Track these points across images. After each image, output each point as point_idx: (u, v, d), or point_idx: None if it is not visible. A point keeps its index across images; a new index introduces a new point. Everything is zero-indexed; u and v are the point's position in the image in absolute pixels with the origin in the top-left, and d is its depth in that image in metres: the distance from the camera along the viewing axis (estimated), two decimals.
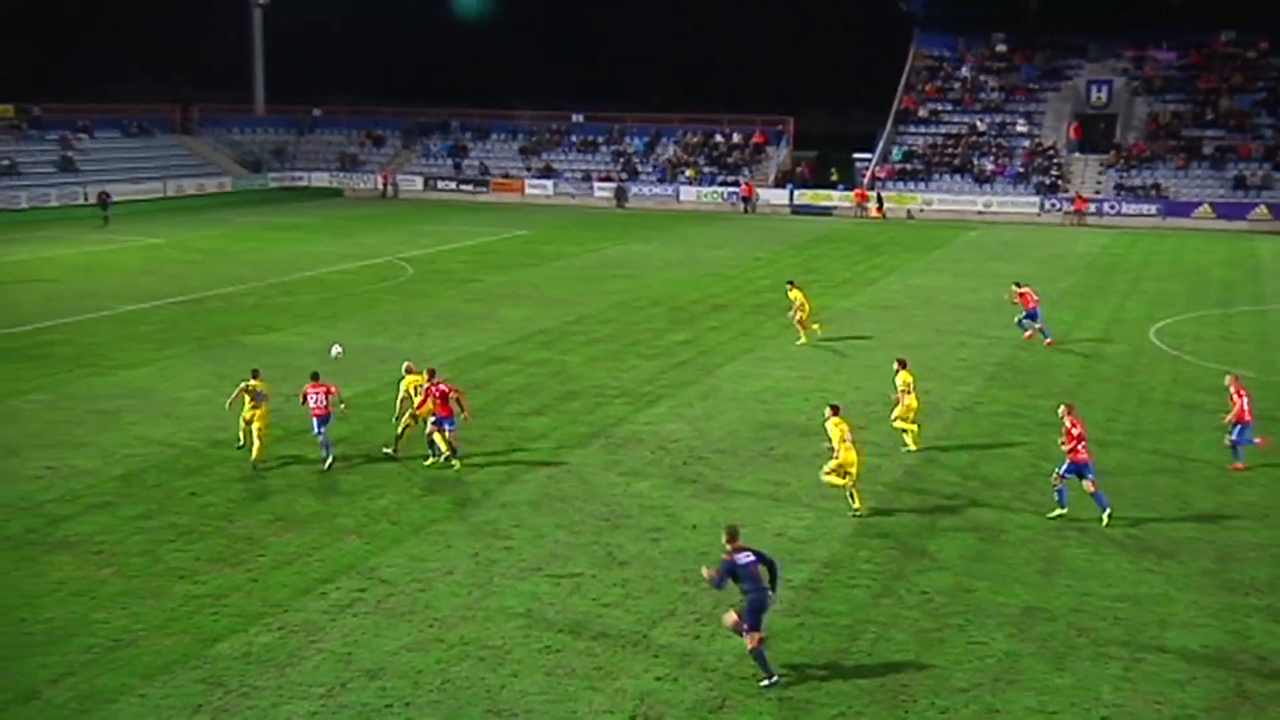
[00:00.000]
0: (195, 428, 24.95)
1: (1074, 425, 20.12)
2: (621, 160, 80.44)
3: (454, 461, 22.56)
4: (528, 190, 78.83)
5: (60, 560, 18.12)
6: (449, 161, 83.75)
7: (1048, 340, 33.57)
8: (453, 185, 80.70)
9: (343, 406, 23.16)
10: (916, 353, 32.84)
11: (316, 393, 22.47)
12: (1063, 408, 20.64)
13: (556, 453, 23.75)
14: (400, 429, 23.14)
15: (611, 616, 16.47)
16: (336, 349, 26.67)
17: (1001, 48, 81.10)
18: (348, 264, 48.66)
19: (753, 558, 14.85)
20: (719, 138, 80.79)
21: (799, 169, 76.65)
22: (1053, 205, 68.57)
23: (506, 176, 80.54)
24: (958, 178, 72.29)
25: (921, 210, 69.97)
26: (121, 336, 33.70)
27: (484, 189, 79.75)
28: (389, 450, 23.27)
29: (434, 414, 22.50)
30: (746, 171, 76.96)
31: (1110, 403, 27.45)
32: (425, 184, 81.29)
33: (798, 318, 33.90)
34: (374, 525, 19.79)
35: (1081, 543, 19.38)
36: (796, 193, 72.78)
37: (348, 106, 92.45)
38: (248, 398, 22.77)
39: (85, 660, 15.16)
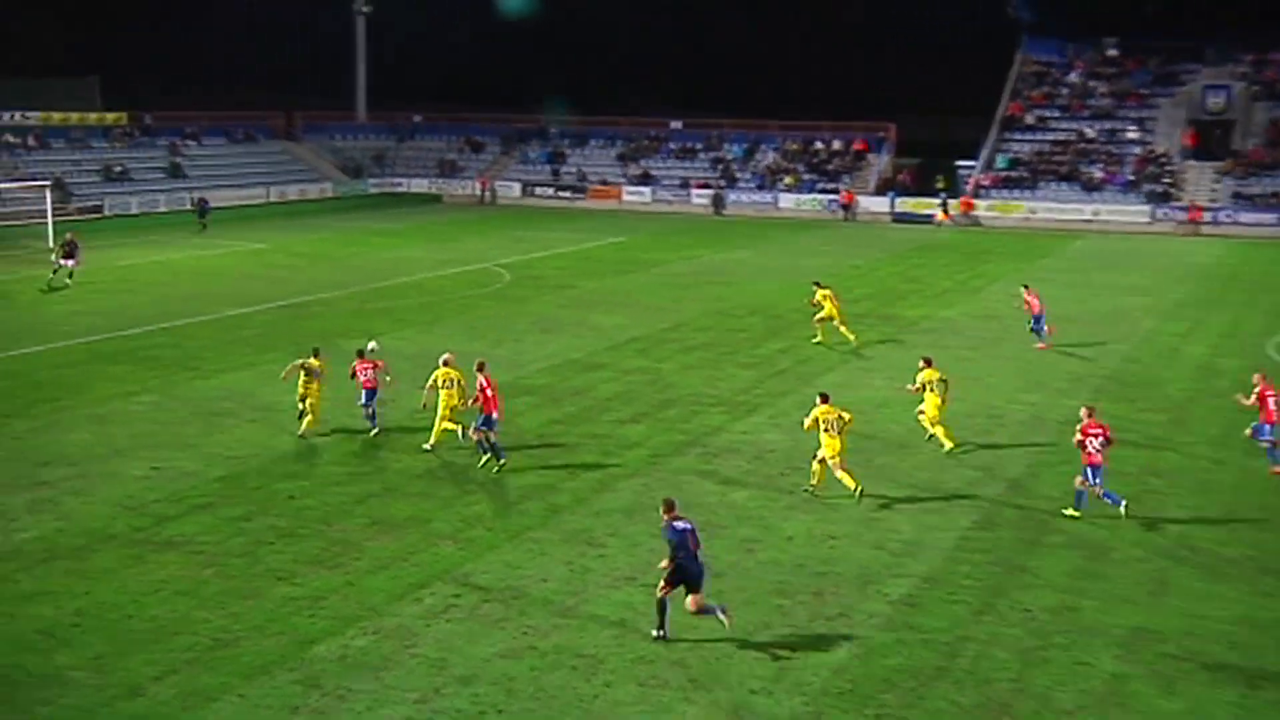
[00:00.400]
0: (294, 431, 25.40)
1: (1090, 428, 20.40)
2: (720, 167, 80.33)
3: (499, 462, 22.79)
4: (625, 197, 79.09)
5: (165, 559, 18.56)
6: (547, 168, 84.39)
7: (1040, 344, 33.84)
8: (550, 191, 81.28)
9: (388, 379, 25.16)
10: (1020, 365, 32.26)
11: (365, 368, 24.80)
12: (1084, 410, 20.96)
13: (652, 461, 23.75)
14: (440, 426, 23.68)
15: (706, 628, 16.40)
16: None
17: (1113, 52, 79.43)
18: (446, 269, 49.25)
19: (688, 526, 16.05)
20: (819, 144, 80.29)
21: (900, 176, 75.85)
22: (1165, 214, 66.90)
23: (604, 183, 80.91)
24: (1064, 185, 70.92)
25: (1027, 219, 68.79)
26: (225, 340, 34.48)
27: (581, 195, 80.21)
28: (427, 448, 23.85)
29: (480, 413, 22.84)
30: (846, 178, 76.35)
31: (1224, 418, 26.67)
32: (523, 190, 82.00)
33: (820, 316, 34.26)
34: (469, 531, 19.96)
35: (1195, 563, 18.85)
36: (897, 200, 72.03)
37: (447, 113, 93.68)
38: (303, 374, 24.68)
39: (188, 659, 15.50)
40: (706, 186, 77.86)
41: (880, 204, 72.58)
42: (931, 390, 24.19)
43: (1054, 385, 29.97)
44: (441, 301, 41.80)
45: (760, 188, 77.08)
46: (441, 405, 23.77)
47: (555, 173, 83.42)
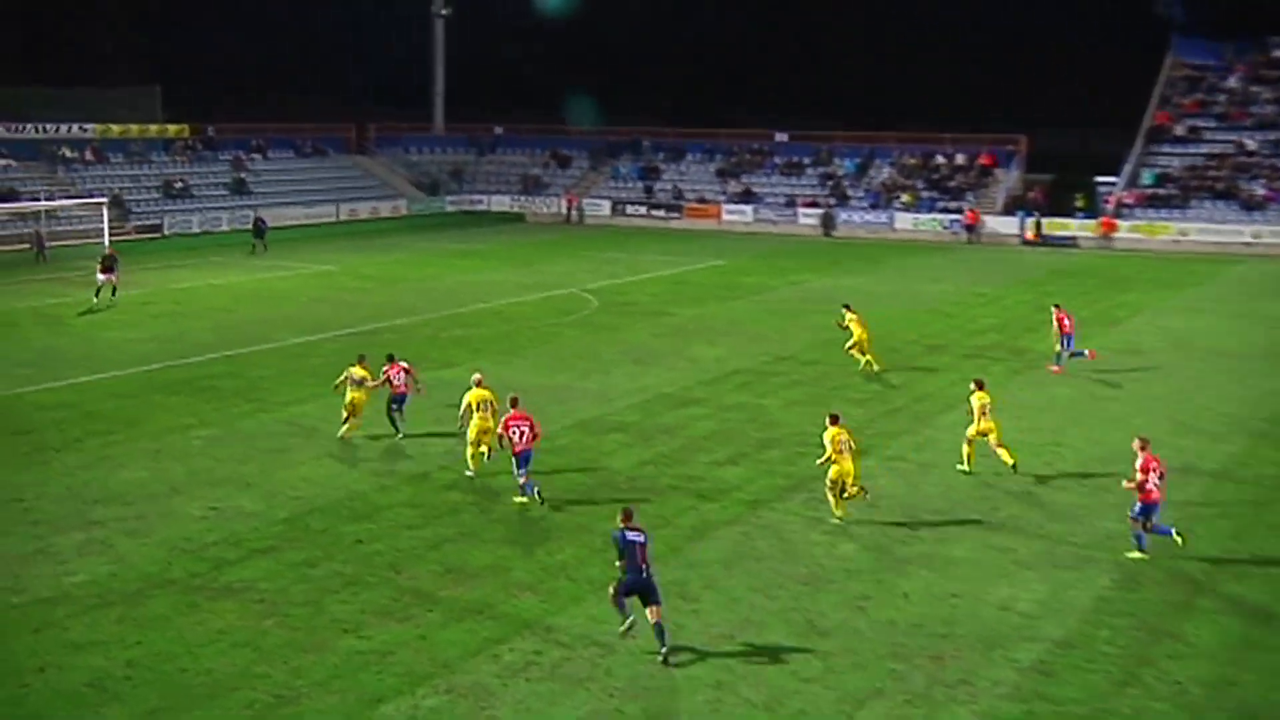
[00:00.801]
0: (363, 470, 25.78)
1: (1148, 463, 20.88)
2: (829, 184, 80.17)
3: (524, 499, 23.37)
4: (725, 216, 79.25)
5: (223, 608, 18.91)
6: (639, 184, 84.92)
7: (1055, 367, 35.11)
8: (643, 210, 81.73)
9: (419, 387, 27.20)
10: (1169, 405, 31.62)
11: (398, 372, 26.97)
12: (1136, 441, 21.47)
13: (752, 507, 23.68)
14: (473, 450, 24.78)
15: (811, 692, 16.27)
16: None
17: (1279, 53, 77.84)
18: (528, 295, 49.72)
19: (639, 539, 17.50)
20: (940, 158, 79.76)
21: (1031, 193, 74.99)
22: None
23: (702, 201, 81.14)
24: (1221, 204, 69.52)
25: (1177, 242, 67.53)
26: (290, 370, 35.13)
27: (677, 214, 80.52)
28: (470, 474, 24.77)
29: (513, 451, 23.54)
30: (970, 196, 75.69)
31: None
32: (613, 208, 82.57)
33: (851, 343, 35.47)
34: (551, 581, 20.06)
35: None
36: (1028, 220, 71.22)
37: (531, 124, 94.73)
38: (350, 384, 27.53)
39: (247, 716, 15.75)
40: (815, 205, 77.71)
41: (1009, 224, 71.82)
42: (986, 415, 25.46)
43: (1208, 429, 29.32)
44: (522, 330, 42.17)
45: (874, 206, 76.73)
46: (473, 430, 24.92)
47: (648, 190, 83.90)
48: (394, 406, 27.89)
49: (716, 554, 21.25)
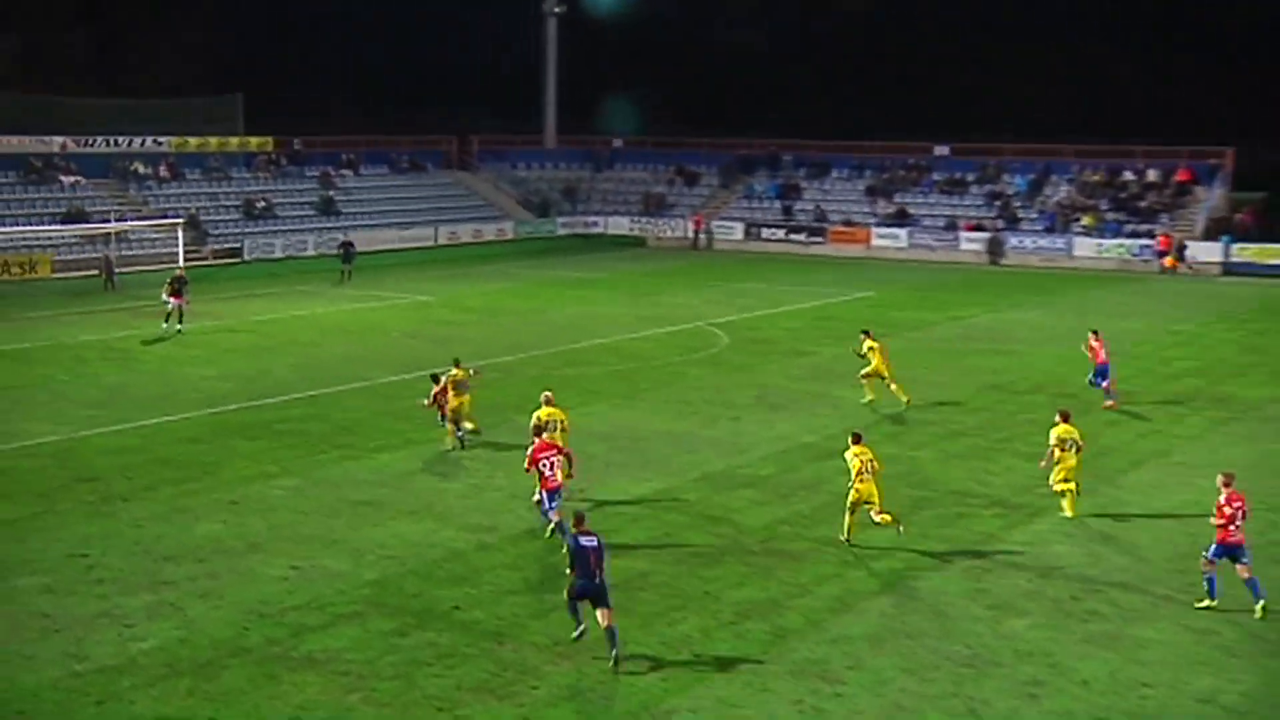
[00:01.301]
0: (461, 525, 26.05)
1: (1230, 501, 21.62)
2: (997, 203, 79.39)
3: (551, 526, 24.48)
4: (875, 240, 78.90)
5: (304, 680, 19.20)
6: (777, 204, 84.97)
7: (1108, 402, 36.38)
8: (780, 234, 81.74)
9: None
10: None
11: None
12: (1221, 477, 22.23)
13: (904, 575, 23.45)
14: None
15: None
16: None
17: None
18: (649, 329, 49.92)
19: (593, 544, 19.62)
20: (1128, 174, 78.57)
21: (1238, 216, 73.41)
22: None
23: (848, 223, 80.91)
24: None
25: None
26: (381, 412, 35.69)
27: (819, 239, 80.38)
28: (537, 499, 25.71)
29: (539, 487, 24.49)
30: (1165, 219, 74.36)
31: None
32: (746, 232, 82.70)
33: (867, 371, 36.60)
34: (673, 656, 20.04)
35: None
36: (1233, 247, 69.76)
37: (655, 136, 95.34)
38: (453, 388, 30.97)
39: None
40: (980, 228, 77.01)
41: (1211, 251, 70.39)
42: (1065, 449, 26.68)
43: None
44: (642, 369, 42.32)
45: (1050, 230, 75.77)
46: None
47: (787, 210, 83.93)
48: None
49: (863, 629, 21.07)
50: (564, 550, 20.48)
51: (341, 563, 23.93)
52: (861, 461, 25.03)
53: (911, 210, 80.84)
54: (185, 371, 41.64)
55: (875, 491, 25.02)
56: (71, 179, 71.41)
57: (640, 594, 22.54)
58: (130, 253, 66.39)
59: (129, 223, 67.16)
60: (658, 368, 42.44)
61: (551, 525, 24.98)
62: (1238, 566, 21.55)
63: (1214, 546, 21.64)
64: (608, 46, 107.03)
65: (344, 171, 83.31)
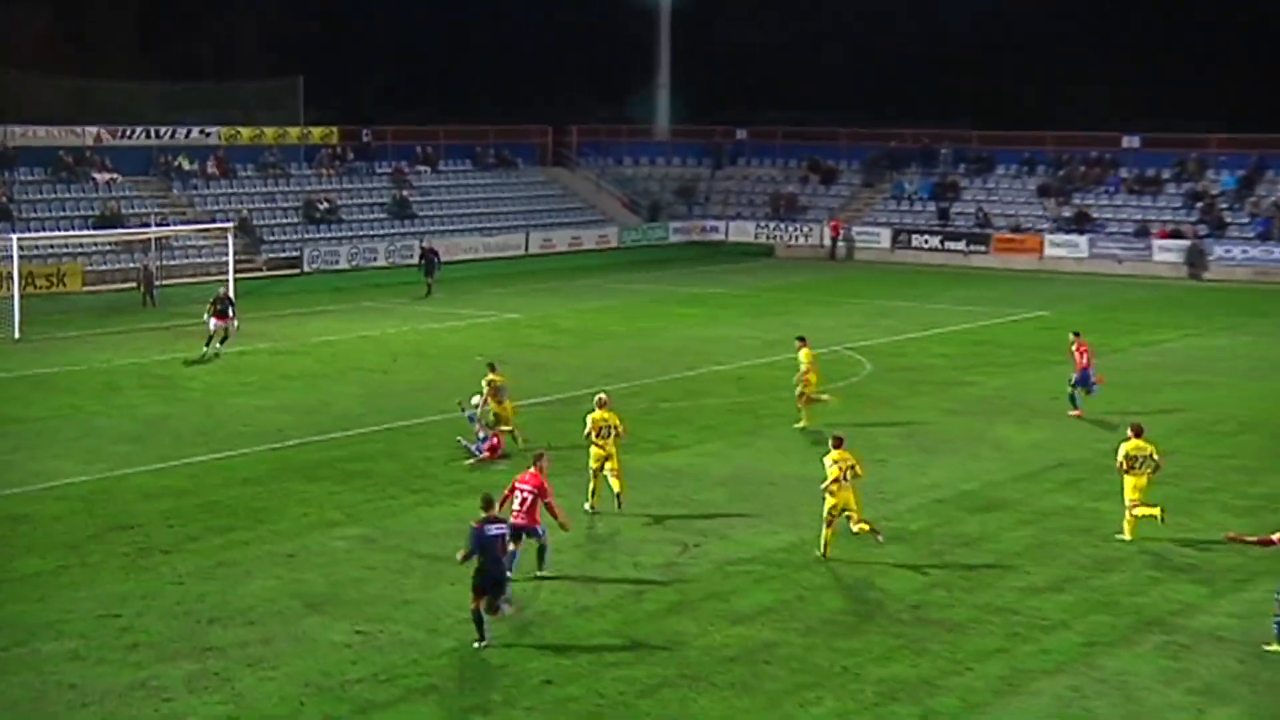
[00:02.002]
0: (555, 585, 26.11)
1: None
2: (1199, 206, 78.37)
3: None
4: (1048, 250, 78.28)
5: None
6: (931, 206, 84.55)
7: (1074, 410, 39.80)
8: (935, 242, 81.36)
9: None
10: None
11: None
12: None
13: (1084, 652, 23.19)
14: (594, 485, 30.13)
15: None
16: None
17: None
18: (776, 355, 49.81)
19: (502, 533, 23.39)
20: None
21: None
22: None
23: (1017, 229, 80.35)
24: None
25: None
26: (462, 451, 35.87)
27: (982, 247, 79.86)
28: (588, 508, 28.88)
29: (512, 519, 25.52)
30: None
31: None
32: (893, 239, 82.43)
33: (800, 390, 38.76)
34: None
35: None
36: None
37: (786, 126, 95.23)
38: (492, 395, 34.74)
39: None
40: (1177, 235, 76.08)
41: None
42: (1139, 469, 28.65)
43: None
44: (769, 402, 42.26)
45: (1264, 237, 74.70)
46: (593, 458, 30.36)
47: (943, 213, 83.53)
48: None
49: (1035, 715, 20.86)
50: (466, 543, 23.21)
51: (414, 628, 24.08)
52: (841, 468, 27.27)
53: (1094, 214, 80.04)
54: (235, 401, 42.23)
55: (853, 500, 27.53)
56: (106, 176, 72.57)
57: (765, 669, 22.48)
58: (173, 262, 67.45)
59: (172, 228, 67.95)
60: (787, 400, 42.33)
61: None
62: None
63: None
64: (729, 20, 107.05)
65: (420, 168, 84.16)
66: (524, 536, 25.87)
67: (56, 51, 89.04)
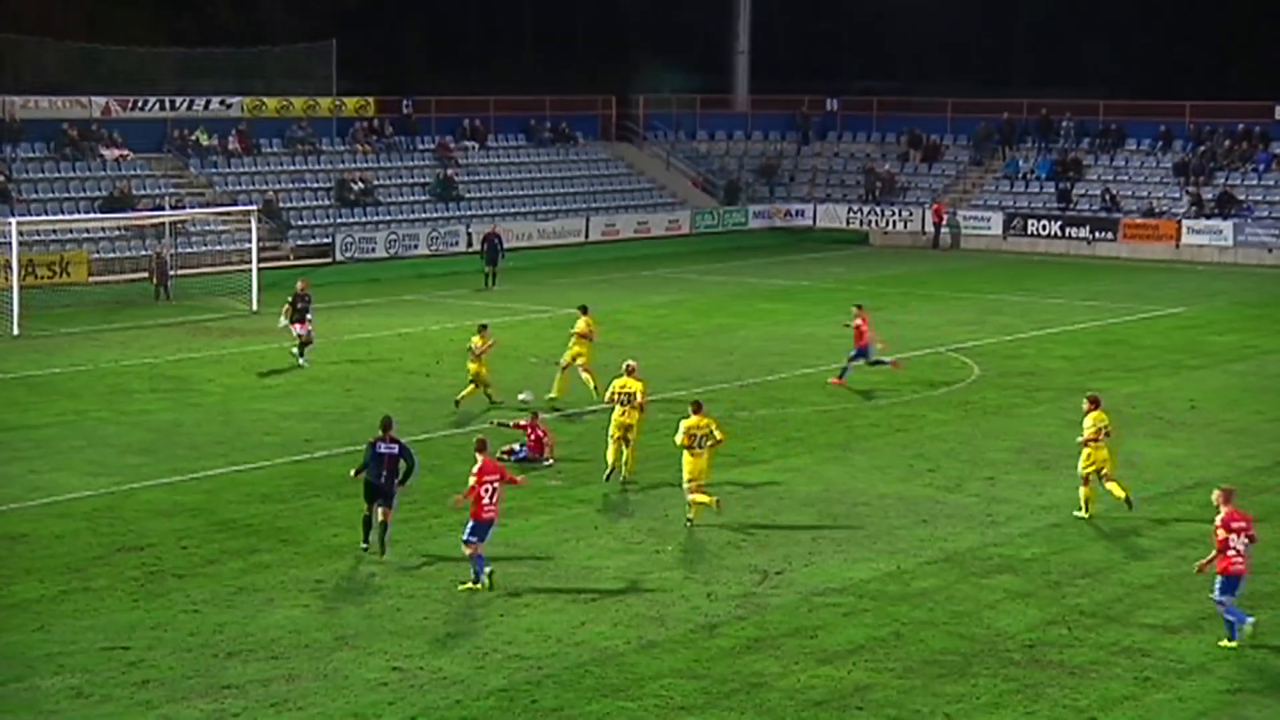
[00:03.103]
0: (618, 617, 26.15)
1: (1231, 520, 24.98)
2: None
3: (472, 585, 27.26)
4: (1186, 238, 77.76)
5: None
6: (1049, 187, 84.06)
7: (836, 379, 44.28)
8: (1054, 228, 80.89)
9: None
10: None
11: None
12: (1217, 493, 25.57)
13: (1227, 701, 23.04)
14: (614, 449, 33.79)
15: None
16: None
17: None
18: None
19: (395, 450, 28.75)
20: None
21: None
22: None
23: (1150, 214, 79.77)
24: None
25: None
26: (514, 465, 35.91)
27: (1108, 234, 79.40)
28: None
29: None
30: None
31: None
32: (1006, 225, 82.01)
33: (570, 360, 42.56)
34: None
35: None
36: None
37: (883, 96, 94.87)
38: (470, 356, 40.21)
39: None
40: None
41: None
42: (1100, 441, 31.85)
43: None
44: (863, 410, 42.15)
45: None
46: (613, 424, 33.66)
47: (1064, 195, 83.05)
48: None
49: None
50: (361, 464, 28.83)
51: (458, 664, 24.14)
52: (690, 436, 30.69)
53: (1239, 196, 79.40)
54: (257, 408, 42.46)
55: (705, 468, 30.88)
56: (115, 153, 72.91)
57: (857, 714, 22.43)
58: (189, 250, 67.84)
59: (188, 211, 68.32)
60: (884, 409, 42.21)
61: (473, 561, 27.33)
62: (1220, 600, 24.97)
63: (1218, 581, 24.93)
64: None
65: (467, 144, 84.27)
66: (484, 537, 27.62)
67: (60, 12, 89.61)
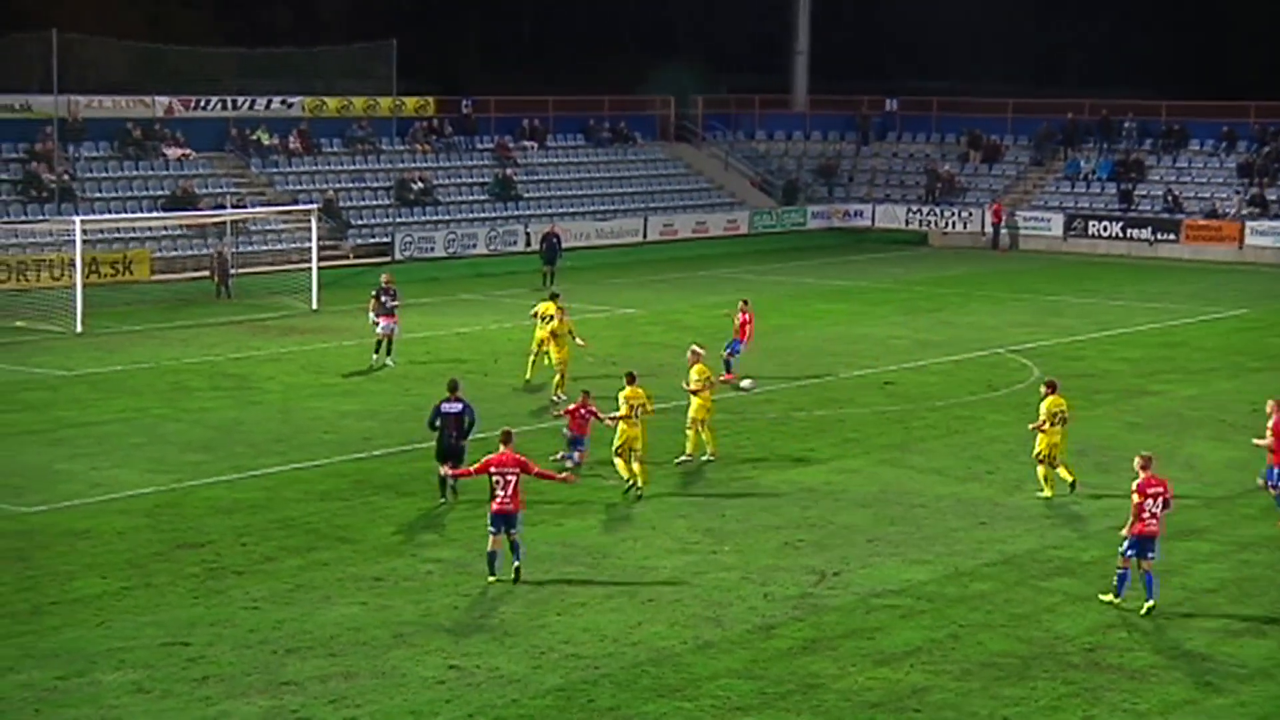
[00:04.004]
0: (675, 617, 26.15)
1: (1148, 485, 26.57)
2: None
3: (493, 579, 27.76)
4: (1250, 239, 77.37)
5: None
6: (1110, 187, 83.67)
7: (724, 375, 43.04)
8: (1115, 229, 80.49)
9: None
10: None
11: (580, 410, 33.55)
12: (1138, 460, 27.12)
13: None
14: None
15: None
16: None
17: None
18: (930, 358, 49.58)
19: (459, 409, 31.91)
20: None
21: None
22: None
23: (1212, 215, 79.33)
24: None
25: None
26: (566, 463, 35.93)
27: (1170, 235, 78.97)
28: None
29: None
30: None
31: None
32: (1066, 226, 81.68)
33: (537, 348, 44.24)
34: None
35: None
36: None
37: (943, 96, 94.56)
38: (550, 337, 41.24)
39: None
40: None
41: None
42: (1055, 424, 33.18)
43: None
44: (920, 412, 42.03)
45: None
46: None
47: (1125, 196, 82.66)
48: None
49: None
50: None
51: (515, 663, 24.17)
52: (630, 406, 32.99)
53: None
54: (317, 406, 42.61)
55: (640, 436, 33.07)
56: (178, 152, 73.23)
57: (915, 716, 22.37)
58: (250, 248, 67.99)
59: (249, 210, 68.52)
60: (941, 410, 42.09)
61: (515, 565, 27.68)
62: (1143, 561, 26.33)
63: (1128, 540, 26.39)
64: None
65: (526, 143, 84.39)
66: (508, 529, 27.64)
67: (124, 13, 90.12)
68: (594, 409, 34.09)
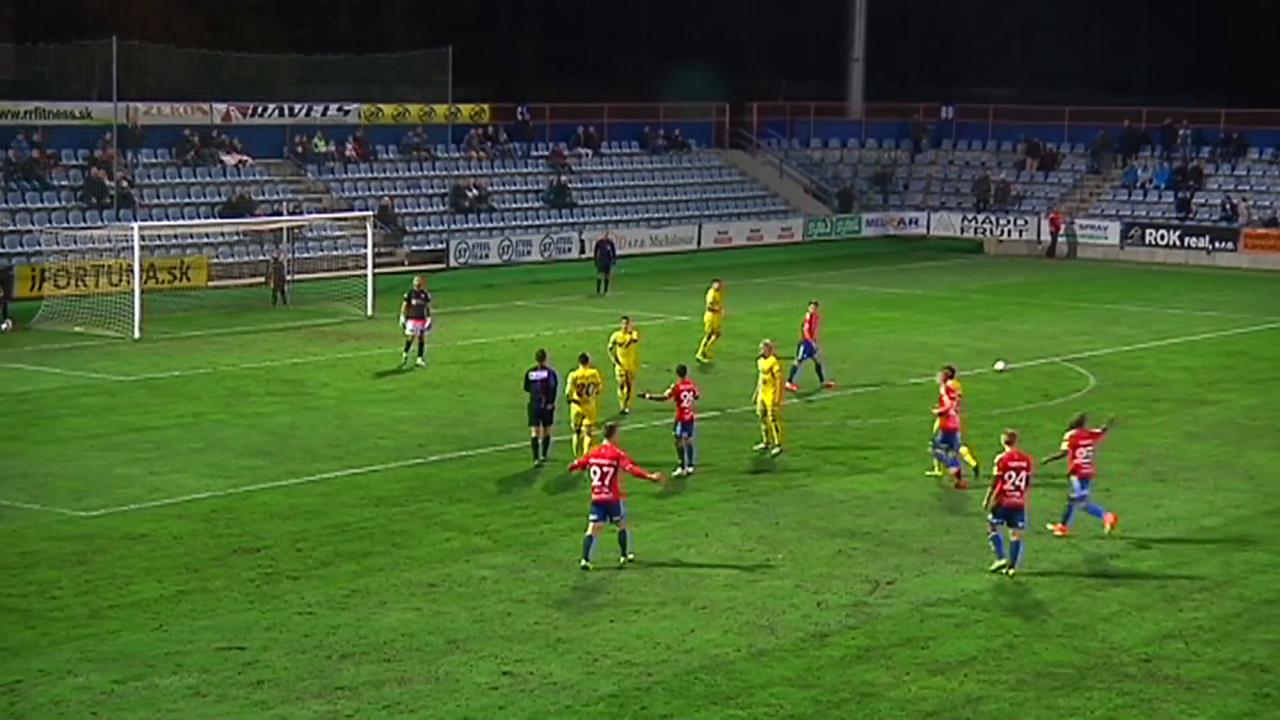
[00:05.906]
0: (728, 624, 26.13)
1: (1010, 460, 28.46)
2: None
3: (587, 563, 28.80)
4: None
5: None
6: (1168, 196, 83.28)
7: (790, 384, 42.83)
8: (1173, 238, 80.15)
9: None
10: None
11: (687, 390, 35.47)
12: (1004, 435, 29.18)
13: None
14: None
15: None
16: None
17: None
18: (986, 366, 49.38)
19: (543, 376, 35.59)
20: None
21: None
22: None
23: (1272, 224, 78.86)
24: None
25: None
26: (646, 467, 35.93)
27: (1229, 244, 78.63)
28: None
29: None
30: None
31: None
32: (1123, 235, 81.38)
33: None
34: None
35: None
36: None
37: (999, 104, 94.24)
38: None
39: None
40: None
41: None
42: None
43: None
44: (976, 420, 41.85)
45: None
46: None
47: (1183, 204, 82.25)
48: (677, 432, 35.86)
49: None
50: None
51: (569, 669, 24.21)
52: (577, 385, 35.62)
53: None
54: (373, 411, 42.75)
55: (591, 412, 35.64)
56: (235, 159, 73.50)
57: None
58: (306, 255, 68.29)
59: (306, 216, 68.86)
60: (998, 419, 41.93)
61: (587, 542, 28.93)
62: (1012, 530, 28.32)
63: (994, 508, 28.41)
64: None
65: (581, 150, 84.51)
66: (608, 517, 28.68)
67: (183, 20, 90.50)
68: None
